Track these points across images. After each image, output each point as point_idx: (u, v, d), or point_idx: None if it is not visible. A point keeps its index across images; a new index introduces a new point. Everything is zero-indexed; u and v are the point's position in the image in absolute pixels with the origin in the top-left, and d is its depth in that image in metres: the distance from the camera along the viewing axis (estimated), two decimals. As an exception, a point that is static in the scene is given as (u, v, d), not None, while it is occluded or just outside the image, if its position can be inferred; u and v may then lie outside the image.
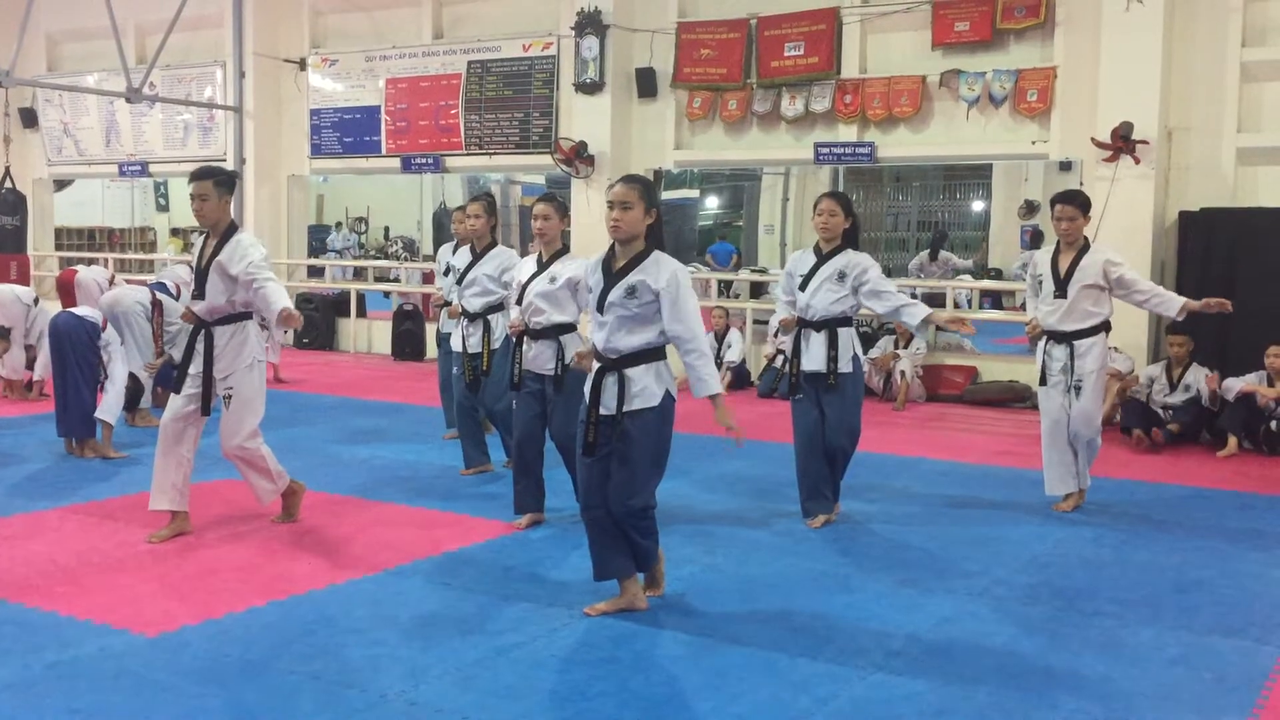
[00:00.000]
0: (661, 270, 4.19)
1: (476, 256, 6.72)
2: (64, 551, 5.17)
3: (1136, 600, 4.78)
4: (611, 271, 4.27)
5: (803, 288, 5.86)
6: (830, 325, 5.76)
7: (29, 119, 16.60)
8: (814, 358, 5.81)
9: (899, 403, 10.15)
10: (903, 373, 10.28)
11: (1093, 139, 9.65)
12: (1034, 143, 10.43)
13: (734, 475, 6.97)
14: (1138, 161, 9.52)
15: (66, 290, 11.35)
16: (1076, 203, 6.10)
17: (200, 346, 5.32)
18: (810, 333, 5.82)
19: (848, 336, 5.80)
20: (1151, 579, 5.09)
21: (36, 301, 9.68)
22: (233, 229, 5.37)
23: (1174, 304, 6.05)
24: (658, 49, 12.03)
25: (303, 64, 14.43)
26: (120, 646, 3.99)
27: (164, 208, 21.01)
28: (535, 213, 5.72)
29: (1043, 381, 6.20)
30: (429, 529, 5.59)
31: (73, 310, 7.87)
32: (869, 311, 6.01)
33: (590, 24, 12.02)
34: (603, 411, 4.20)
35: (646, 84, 12.07)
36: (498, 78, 13.08)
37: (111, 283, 11.14)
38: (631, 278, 4.19)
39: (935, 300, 11.56)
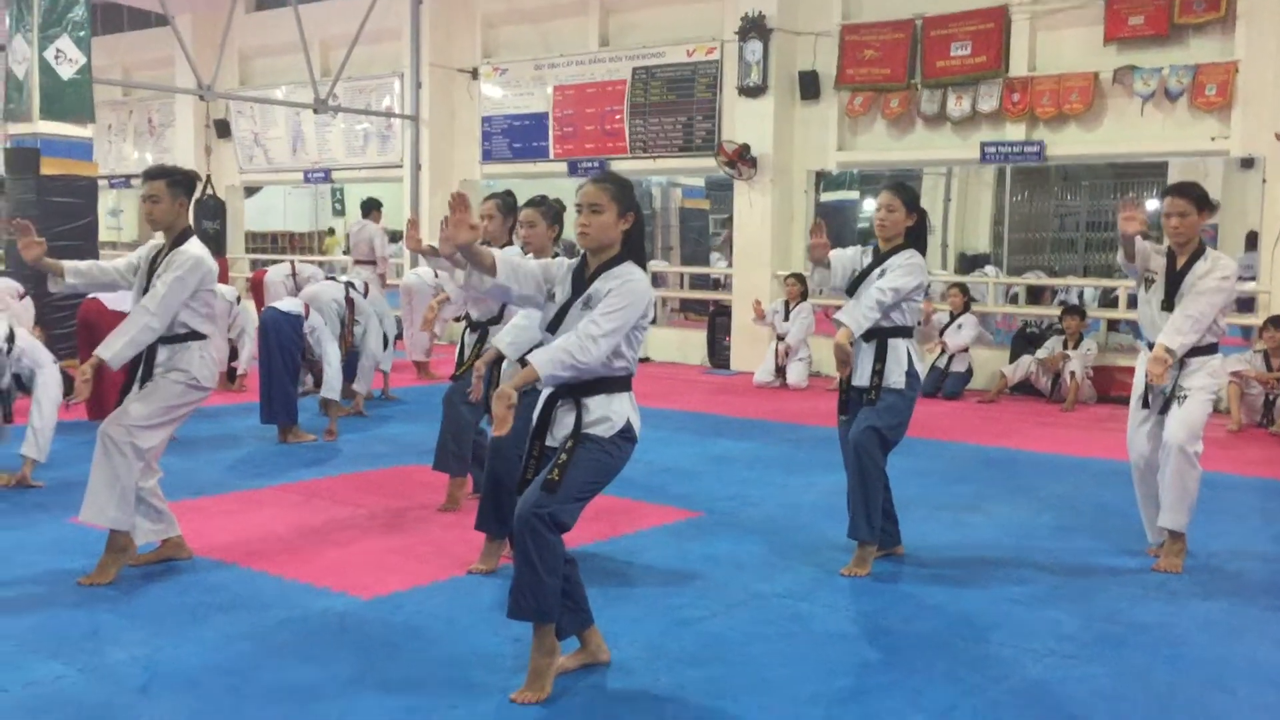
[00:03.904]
0: (614, 277, 3.52)
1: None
2: (280, 524, 5.67)
3: (1319, 598, 4.74)
4: (580, 283, 3.60)
5: (850, 292, 5.06)
6: (880, 336, 4.95)
7: (223, 130, 17.77)
8: (860, 371, 4.99)
9: (1068, 403, 10.03)
10: (1072, 373, 10.15)
11: (1276, 135, 9.37)
12: (1213, 139, 10.16)
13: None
14: (1324, 157, 9.22)
15: (259, 290, 12.19)
16: (1191, 196, 5.05)
17: (140, 369, 4.71)
18: (860, 343, 4.99)
19: (902, 349, 4.94)
20: (1335, 579, 5.03)
21: (239, 300, 10.42)
22: (184, 236, 4.77)
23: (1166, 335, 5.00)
24: (821, 51, 12.16)
25: (475, 73, 15.05)
26: (341, 607, 4.41)
27: (340, 212, 22.10)
28: (521, 219, 5.07)
29: (1144, 404, 5.21)
30: (606, 515, 5.85)
31: (276, 305, 8.49)
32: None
33: (754, 28, 12.23)
34: (549, 443, 3.57)
35: (809, 86, 12.21)
36: (662, 83, 13.39)
37: (294, 273, 11.95)
38: (591, 287, 3.54)
39: (1108, 298, 11.37)
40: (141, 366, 4.72)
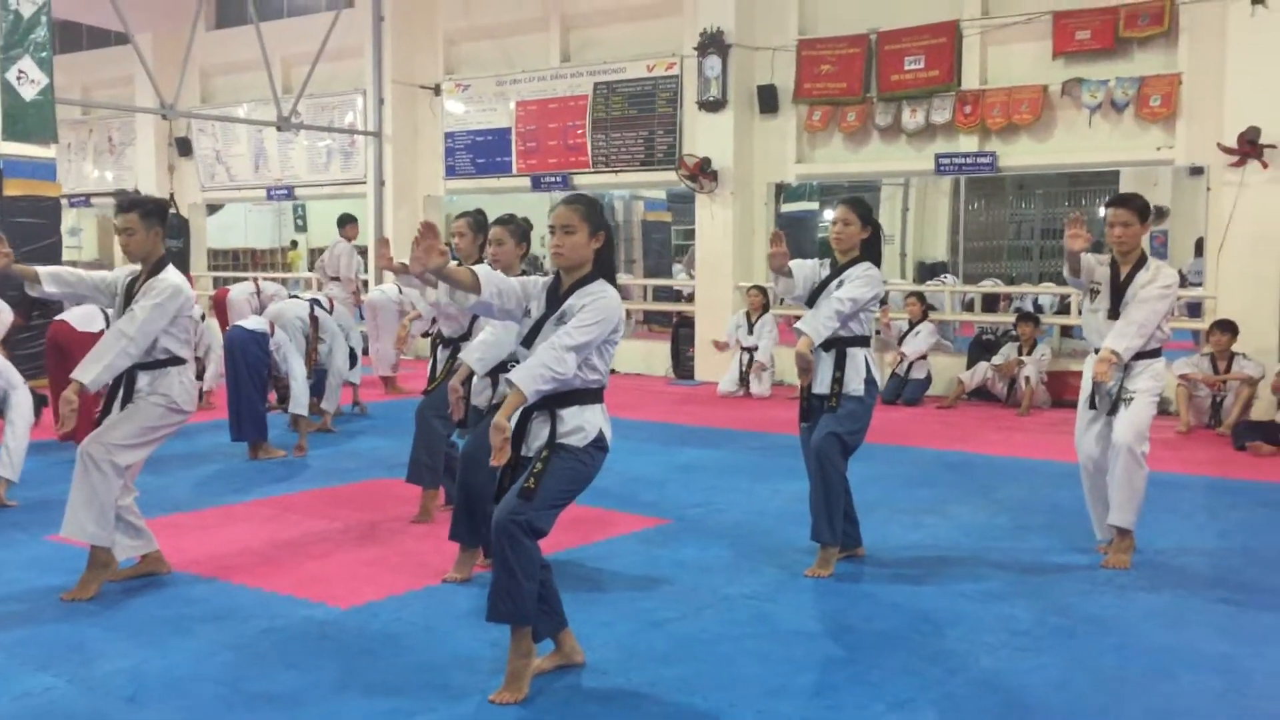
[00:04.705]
0: (588, 294, 3.70)
1: None
2: (255, 539, 5.77)
3: (1261, 588, 4.98)
4: (555, 299, 3.77)
5: (810, 303, 5.24)
6: (839, 345, 5.13)
7: (184, 148, 17.78)
8: (820, 379, 5.17)
9: (1023, 408, 10.29)
10: (1027, 379, 10.41)
11: (1219, 144, 9.68)
12: (1159, 149, 10.47)
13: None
14: (1266, 166, 9.54)
15: (222, 308, 12.23)
16: (1132, 207, 5.30)
17: (120, 392, 4.80)
18: (819, 353, 5.16)
19: (860, 357, 5.15)
20: (1277, 571, 5.26)
21: (203, 318, 10.47)
22: (161, 264, 4.83)
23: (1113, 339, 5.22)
24: (779, 66, 12.39)
25: (437, 89, 15.18)
26: (320, 616, 4.53)
27: (301, 228, 22.14)
28: (489, 237, 5.22)
29: (1092, 405, 5.42)
30: (578, 524, 5.98)
31: (241, 324, 8.58)
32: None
33: (713, 44, 12.45)
34: (524, 453, 3.72)
35: (768, 100, 12.43)
36: (623, 98, 13.58)
37: (259, 292, 12.02)
38: (565, 304, 3.71)
39: (1063, 304, 11.71)
40: (121, 390, 4.81)
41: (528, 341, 3.77)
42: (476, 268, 3.82)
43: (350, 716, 3.56)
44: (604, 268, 3.81)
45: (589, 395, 3.73)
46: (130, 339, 4.64)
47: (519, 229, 5.17)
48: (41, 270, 4.88)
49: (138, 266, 4.90)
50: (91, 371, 4.60)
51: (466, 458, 5.03)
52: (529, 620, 3.70)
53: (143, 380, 4.80)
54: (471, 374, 5.14)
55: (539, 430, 3.72)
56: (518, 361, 3.76)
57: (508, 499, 3.64)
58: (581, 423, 3.69)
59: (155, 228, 4.83)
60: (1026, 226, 17.96)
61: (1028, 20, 10.96)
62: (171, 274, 4.82)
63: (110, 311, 7.53)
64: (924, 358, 11.17)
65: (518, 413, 3.66)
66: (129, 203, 4.89)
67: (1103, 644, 4.25)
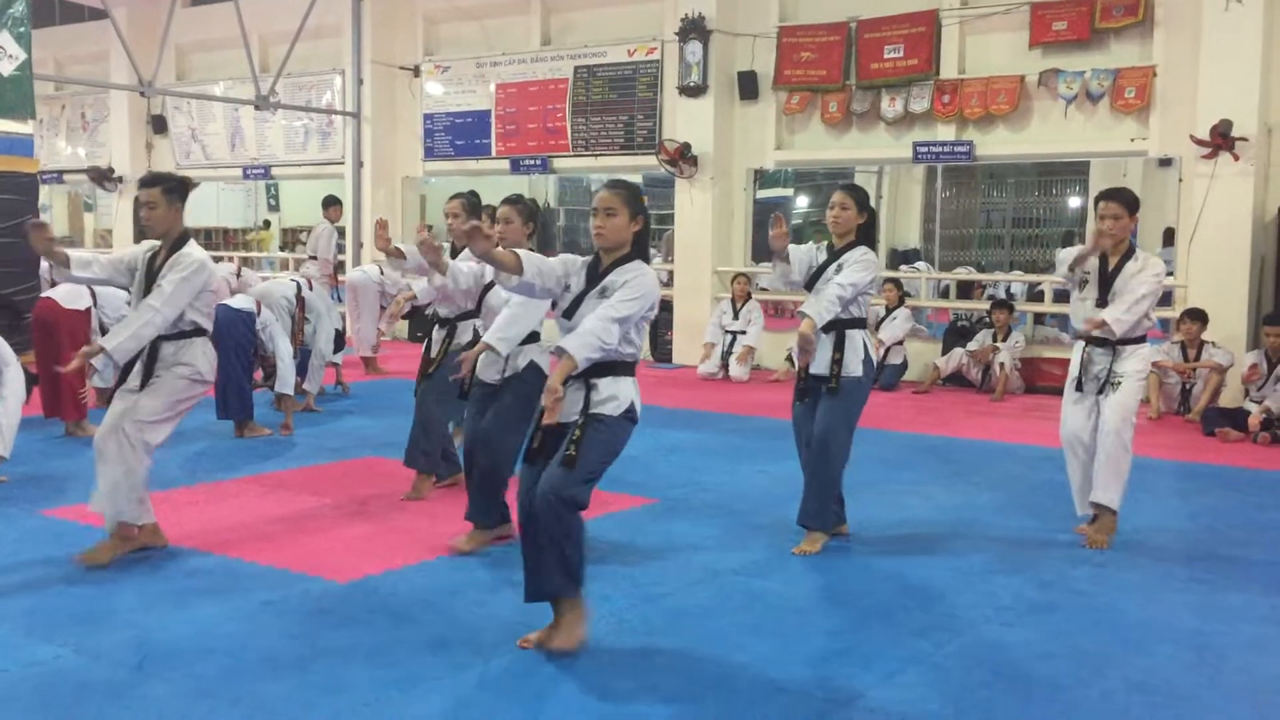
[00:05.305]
0: (628, 271, 3.92)
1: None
2: (247, 515, 5.83)
3: (1230, 567, 5.15)
4: (595, 276, 3.99)
5: (809, 287, 5.40)
6: (838, 327, 5.26)
7: (159, 126, 17.66)
8: (819, 361, 5.31)
9: (997, 394, 10.47)
10: (1001, 364, 10.59)
11: (1191, 136, 9.86)
12: (1132, 140, 10.65)
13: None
14: (1237, 158, 9.72)
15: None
16: (1122, 200, 5.44)
17: (142, 364, 4.94)
18: (819, 334, 5.27)
19: (858, 339, 5.31)
20: (1245, 551, 5.43)
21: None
22: (183, 239, 4.97)
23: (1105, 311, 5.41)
24: (759, 52, 12.47)
25: (417, 71, 15.15)
26: (319, 590, 4.60)
27: (274, 208, 22.03)
28: (497, 216, 5.30)
29: (1079, 387, 5.56)
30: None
31: (228, 303, 8.58)
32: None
33: (694, 29, 12.51)
34: (559, 420, 3.84)
35: (748, 86, 12.52)
36: (603, 82, 13.62)
37: (239, 274, 12.00)
38: (606, 280, 3.93)
39: (1034, 292, 11.88)
40: (143, 363, 4.92)
41: (569, 314, 3.97)
42: (521, 250, 3.99)
43: (356, 685, 3.64)
44: (641, 249, 4.02)
45: (623, 367, 3.93)
46: (157, 310, 4.77)
47: (527, 208, 5.27)
48: (72, 254, 5.00)
49: (156, 243, 5.01)
50: (117, 339, 4.72)
51: (476, 440, 5.13)
52: (578, 589, 3.90)
53: (167, 350, 4.93)
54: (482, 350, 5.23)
55: (574, 398, 3.88)
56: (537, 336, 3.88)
57: (550, 472, 3.79)
58: (615, 392, 3.88)
59: (176, 204, 4.98)
60: (997, 215, 18.12)
61: (1006, 10, 11.10)
62: (195, 249, 4.96)
63: (104, 291, 7.56)
64: (900, 343, 11.32)
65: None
66: (152, 178, 5.03)
67: (1082, 619, 4.40)
